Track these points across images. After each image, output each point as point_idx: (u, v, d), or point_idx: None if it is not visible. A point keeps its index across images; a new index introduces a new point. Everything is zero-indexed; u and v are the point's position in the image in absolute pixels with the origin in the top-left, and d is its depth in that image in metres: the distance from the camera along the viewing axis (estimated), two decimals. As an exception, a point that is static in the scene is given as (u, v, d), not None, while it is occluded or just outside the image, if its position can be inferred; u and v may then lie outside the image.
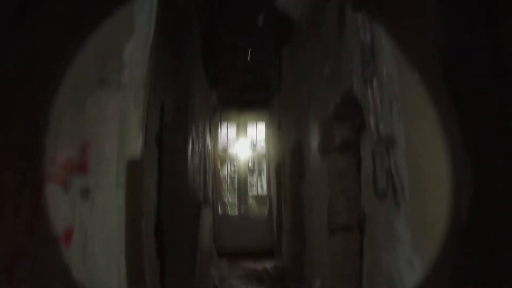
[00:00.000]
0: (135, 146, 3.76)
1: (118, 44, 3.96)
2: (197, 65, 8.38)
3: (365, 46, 4.01)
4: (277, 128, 12.16)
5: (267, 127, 14.89)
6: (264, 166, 16.00)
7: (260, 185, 16.68)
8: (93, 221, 3.53)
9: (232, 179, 17.22)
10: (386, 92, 3.50)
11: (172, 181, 5.48)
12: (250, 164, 16.86)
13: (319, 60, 6.00)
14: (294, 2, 7.06)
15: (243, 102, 13.65)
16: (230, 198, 16.73)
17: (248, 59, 10.30)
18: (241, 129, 15.14)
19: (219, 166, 15.04)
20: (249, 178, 16.35)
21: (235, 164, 15.99)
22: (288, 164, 9.58)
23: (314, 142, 6.47)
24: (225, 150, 15.48)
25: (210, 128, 11.81)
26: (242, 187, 15.30)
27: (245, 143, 15.40)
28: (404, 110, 3.20)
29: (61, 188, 3.54)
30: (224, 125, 15.09)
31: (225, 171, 16.25)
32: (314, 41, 6.39)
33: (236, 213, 15.40)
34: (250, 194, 16.12)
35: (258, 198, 16.15)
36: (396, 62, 3.34)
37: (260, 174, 16.77)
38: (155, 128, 4.50)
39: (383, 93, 3.59)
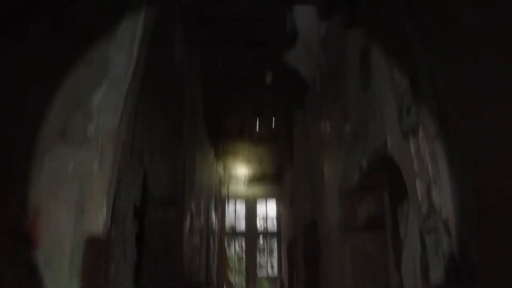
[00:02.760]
0: (97, 218, 2.90)
1: (86, 90, 3.28)
2: (198, 131, 7.64)
3: (400, 92, 3.29)
4: (289, 203, 11.32)
5: (278, 202, 14.06)
6: (275, 245, 14.90)
7: (270, 266, 15.53)
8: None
9: (239, 259, 16.05)
10: (440, 144, 2.67)
11: (160, 262, 4.56)
12: (259, 243, 15.78)
13: (337, 121, 5.18)
14: (306, 57, 6.36)
15: (252, 176, 12.83)
16: (237, 279, 15.42)
17: (257, 129, 9.58)
18: (250, 205, 14.30)
19: (225, 244, 14.02)
20: (258, 258, 15.26)
21: (244, 242, 15.01)
22: (302, 243, 8.68)
23: (333, 217, 5.57)
24: (232, 228, 14.57)
25: (215, 204, 10.99)
26: (250, 268, 14.28)
27: (254, 220, 14.53)
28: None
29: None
30: (232, 200, 14.27)
31: (232, 250, 15.24)
32: (330, 100, 5.62)
33: (244, 297, 14.22)
34: (259, 275, 15.02)
35: (268, 280, 15.01)
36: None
37: (270, 253, 15.68)
38: (132, 197, 3.54)
39: (434, 146, 2.73)
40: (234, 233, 14.63)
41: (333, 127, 5.54)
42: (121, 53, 3.52)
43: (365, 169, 4.12)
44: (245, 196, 14.02)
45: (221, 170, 11.71)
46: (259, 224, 15.48)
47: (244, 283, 14.61)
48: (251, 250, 14.54)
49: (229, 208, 14.35)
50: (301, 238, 8.72)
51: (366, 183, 4.38)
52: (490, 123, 2.33)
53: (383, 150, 3.61)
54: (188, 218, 6.28)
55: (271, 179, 12.98)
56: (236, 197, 14.19)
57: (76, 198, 2.89)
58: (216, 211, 11.19)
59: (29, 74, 3.21)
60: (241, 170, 12.33)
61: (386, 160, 3.55)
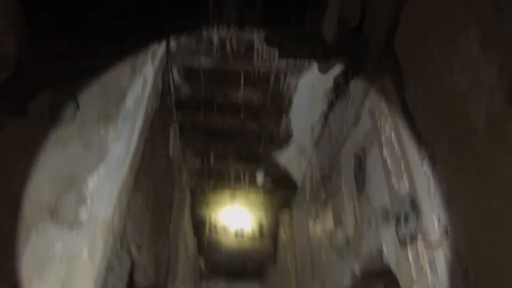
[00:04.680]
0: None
1: (82, 172, 3.18)
2: (183, 225, 7.44)
3: (398, 198, 3.21)
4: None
5: None
6: None
7: None
8: None
9: None
10: (440, 252, 2.56)
11: None
12: None
13: (327, 226, 5.01)
14: (298, 158, 6.31)
15: (233, 271, 12.37)
16: None
17: (240, 227, 9.34)
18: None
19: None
20: None
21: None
22: None
23: None
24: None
25: (196, 296, 10.53)
26: None
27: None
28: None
29: None
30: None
31: None
32: (321, 203, 5.44)
33: None
34: None
35: None
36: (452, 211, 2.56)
37: None
38: (119, 288, 3.34)
39: (434, 254, 2.65)
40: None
41: (323, 230, 5.37)
42: (120, 141, 3.45)
43: (358, 275, 3.94)
44: (225, 288, 13.41)
45: (202, 265, 11.33)
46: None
47: None
48: None
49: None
50: None
51: (358, 290, 4.16)
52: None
53: (378, 257, 3.46)
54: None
55: (253, 277, 12.48)
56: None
57: (61, 282, 2.68)
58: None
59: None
60: (223, 265, 11.93)
61: (382, 267, 3.40)
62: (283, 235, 8.69)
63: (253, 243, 9.94)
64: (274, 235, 9.45)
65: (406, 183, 3.09)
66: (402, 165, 3.17)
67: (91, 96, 3.70)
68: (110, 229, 2.97)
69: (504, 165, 2.26)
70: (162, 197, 5.45)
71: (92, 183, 3.10)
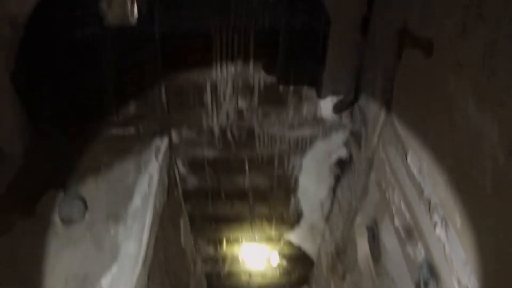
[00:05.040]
0: None
1: (95, 272, 3.18)
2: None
3: (415, 265, 3.13)
4: None
5: None
6: None
7: None
8: None
9: None
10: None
11: None
12: None
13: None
14: (310, 235, 6.23)
15: None
16: None
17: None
18: None
19: None
20: None
21: None
22: None
23: None
24: None
25: None
26: None
27: None
28: None
29: None
30: None
31: None
32: (338, 278, 5.40)
33: None
34: None
35: None
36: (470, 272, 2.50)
37: None
38: None
39: None
40: None
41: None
42: (130, 239, 3.44)
43: None
44: None
45: None
46: None
47: None
48: None
49: None
50: None
51: None
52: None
53: None
54: None
55: None
56: None
57: None
58: None
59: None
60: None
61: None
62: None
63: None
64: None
65: (422, 250, 3.04)
66: (416, 233, 3.14)
67: (98, 195, 3.76)
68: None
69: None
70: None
71: (106, 282, 3.08)
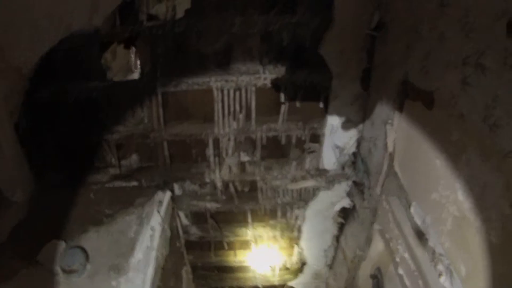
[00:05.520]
0: None
1: None
2: None
3: None
4: None
5: None
6: None
7: None
8: None
9: None
10: None
11: None
12: None
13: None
14: (315, 283, 6.16)
15: None
16: None
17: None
18: None
19: None
20: None
21: None
22: None
23: None
24: None
25: None
26: None
27: None
28: None
29: None
30: None
31: None
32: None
33: None
34: None
35: None
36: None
37: None
38: None
39: None
40: None
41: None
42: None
43: None
44: None
45: None
46: None
47: None
48: None
49: None
50: None
51: None
52: None
53: None
54: None
55: None
56: None
57: None
58: None
59: None
60: None
61: None
62: None
63: None
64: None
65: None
66: (420, 281, 3.12)
67: (100, 247, 3.76)
68: None
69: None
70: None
71: None
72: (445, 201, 2.89)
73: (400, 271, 3.45)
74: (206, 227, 5.31)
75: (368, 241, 4.19)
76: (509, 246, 2.33)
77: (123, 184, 4.49)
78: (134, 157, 4.53)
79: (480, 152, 2.51)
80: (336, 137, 4.30)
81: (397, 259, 3.50)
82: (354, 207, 4.60)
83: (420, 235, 3.17)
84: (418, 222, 3.21)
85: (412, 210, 3.28)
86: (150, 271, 3.71)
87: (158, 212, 4.29)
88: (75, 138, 4.27)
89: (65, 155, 4.33)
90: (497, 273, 2.45)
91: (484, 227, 2.52)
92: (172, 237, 4.71)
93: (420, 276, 3.14)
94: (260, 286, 6.45)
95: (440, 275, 2.92)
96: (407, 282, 3.35)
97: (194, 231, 5.40)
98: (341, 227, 5.07)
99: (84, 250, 3.63)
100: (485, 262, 2.55)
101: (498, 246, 2.42)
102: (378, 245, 3.96)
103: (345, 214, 4.90)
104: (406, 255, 3.35)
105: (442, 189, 2.92)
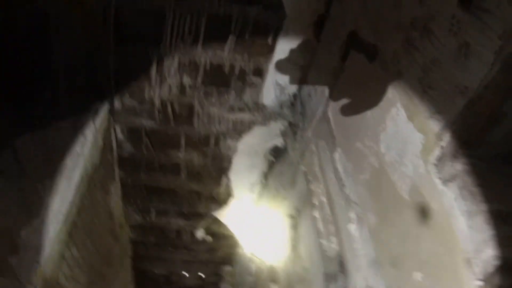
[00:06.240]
0: None
1: (16, 225, 3.13)
2: (124, 278, 7.21)
3: (330, 257, 3.25)
4: None
5: None
6: None
7: None
8: None
9: None
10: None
11: None
12: None
13: (267, 282, 4.95)
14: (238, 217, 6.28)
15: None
16: None
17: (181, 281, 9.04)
18: None
19: None
20: None
21: None
22: None
23: None
24: None
25: None
26: None
27: None
28: None
29: None
30: None
31: None
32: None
33: None
34: None
35: None
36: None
37: None
38: None
39: None
40: None
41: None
42: (55, 197, 3.43)
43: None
44: None
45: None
46: None
47: None
48: None
49: None
50: None
51: None
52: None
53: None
54: None
55: None
56: None
57: None
58: None
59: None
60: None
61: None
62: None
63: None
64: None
65: (335, 244, 3.11)
66: (333, 227, 3.21)
67: (30, 151, 3.64)
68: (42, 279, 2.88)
69: (423, 234, 2.34)
70: (101, 252, 5.27)
71: (25, 235, 3.04)
72: (367, 151, 2.95)
73: (316, 214, 3.54)
74: (140, 145, 5.26)
75: (293, 181, 4.27)
76: (415, 204, 2.43)
77: (62, 93, 4.30)
78: (80, 70, 4.37)
79: (408, 110, 2.57)
80: (280, 75, 4.28)
81: (315, 202, 3.58)
82: (285, 147, 4.66)
83: (340, 181, 3.24)
84: (340, 168, 3.28)
85: (336, 155, 3.35)
86: (76, 177, 3.68)
87: (93, 122, 4.21)
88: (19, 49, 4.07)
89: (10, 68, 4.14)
90: (401, 226, 2.55)
91: (399, 183, 2.61)
92: (104, 149, 4.66)
93: (333, 222, 3.24)
94: (185, 211, 6.51)
95: (351, 222, 3.02)
96: (320, 226, 3.45)
97: (128, 148, 5.34)
98: (271, 165, 5.13)
99: (14, 151, 3.54)
100: (392, 215, 2.65)
101: (406, 202, 2.51)
102: (301, 187, 4.04)
103: (276, 152, 4.95)
104: (324, 199, 3.44)
105: (367, 139, 2.98)
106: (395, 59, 2.73)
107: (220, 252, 7.57)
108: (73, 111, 4.19)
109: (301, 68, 4.22)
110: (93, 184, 4.32)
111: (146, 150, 5.32)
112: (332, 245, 3.16)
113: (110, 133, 4.92)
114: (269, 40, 4.11)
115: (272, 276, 4.69)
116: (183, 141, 5.12)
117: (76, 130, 4.00)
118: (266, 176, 5.31)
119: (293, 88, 4.38)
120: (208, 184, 5.76)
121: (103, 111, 4.37)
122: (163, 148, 5.32)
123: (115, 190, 5.84)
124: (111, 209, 5.68)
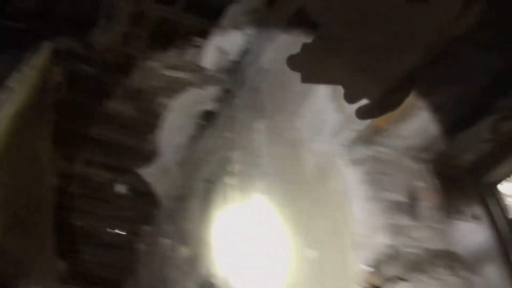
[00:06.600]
0: None
1: None
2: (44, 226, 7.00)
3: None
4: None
5: None
6: None
7: None
8: None
9: None
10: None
11: None
12: None
13: (177, 244, 4.92)
14: (163, 177, 6.16)
15: (93, 278, 11.65)
16: None
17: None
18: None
19: None
20: None
21: None
22: None
23: None
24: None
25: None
26: None
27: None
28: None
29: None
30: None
31: None
32: (174, 222, 5.37)
33: None
34: None
35: None
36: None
37: None
38: None
39: None
40: None
41: (172, 248, 5.27)
42: None
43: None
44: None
45: (63, 267, 10.61)
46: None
47: None
48: None
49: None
50: None
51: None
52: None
53: (209, 279, 3.47)
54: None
55: (112, 286, 11.80)
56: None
57: None
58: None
59: None
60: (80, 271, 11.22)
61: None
62: (141, 249, 8.45)
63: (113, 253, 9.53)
64: (133, 249, 9.09)
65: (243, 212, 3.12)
66: (241, 195, 3.21)
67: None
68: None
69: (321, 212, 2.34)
70: (23, 196, 5.09)
71: None
72: (288, 125, 2.98)
73: (230, 181, 3.54)
74: (77, 90, 5.10)
75: (218, 148, 4.24)
76: (319, 181, 2.43)
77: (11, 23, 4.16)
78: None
79: (334, 90, 2.59)
80: (224, 40, 4.20)
81: (231, 169, 3.58)
82: (217, 112, 4.60)
83: (257, 151, 3.23)
84: (260, 139, 3.28)
85: (259, 126, 3.34)
86: (5, 113, 3.53)
87: (33, 60, 4.08)
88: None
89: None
90: (304, 200, 2.56)
91: (309, 158, 2.62)
92: (40, 90, 4.49)
93: (243, 189, 3.24)
94: (111, 164, 6.36)
95: (259, 192, 3.02)
96: (230, 193, 3.46)
97: (65, 92, 5.16)
98: (201, 130, 5.06)
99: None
100: (297, 190, 2.66)
101: (312, 178, 2.50)
102: (222, 153, 4.02)
103: (207, 117, 4.89)
104: (240, 167, 3.43)
105: (290, 114, 3.03)
106: (333, 38, 2.71)
107: (140, 210, 7.48)
108: (13, 46, 4.02)
109: (246, 36, 4.15)
110: (24, 123, 4.18)
111: (81, 96, 5.16)
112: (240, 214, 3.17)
113: (48, 74, 4.74)
114: (219, 3, 4.02)
115: (184, 239, 4.68)
116: (118, 92, 4.98)
117: (13, 65, 3.82)
118: (194, 140, 5.24)
119: (236, 56, 4.31)
120: (136, 139, 5.64)
121: (45, 51, 4.18)
122: (99, 96, 5.17)
123: (46, 133, 5.64)
124: (39, 153, 5.49)
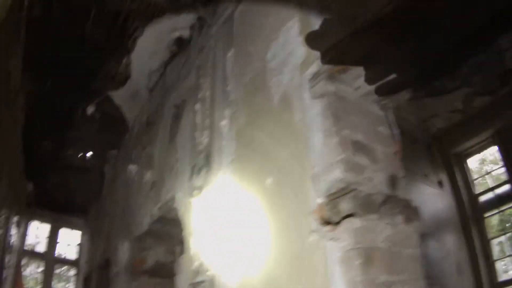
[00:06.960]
0: None
1: None
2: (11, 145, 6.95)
3: (199, 150, 3.34)
4: (90, 237, 10.47)
5: (82, 233, 12.88)
6: (72, 275, 13.67)
7: (65, 292, 14.12)
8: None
9: (36, 282, 14.46)
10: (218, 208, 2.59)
11: None
12: (56, 271, 14.35)
13: (142, 169, 4.96)
14: (132, 101, 6.13)
15: (60, 202, 11.67)
16: (31, 304, 13.76)
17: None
18: (54, 229, 13.00)
19: (21, 264, 12.51)
20: (54, 284, 13.80)
21: (42, 266, 13.58)
22: (95, 280, 8.01)
23: (122, 260, 5.19)
24: (32, 250, 13.10)
25: (18, 222, 9.81)
26: (45, 294, 12.84)
27: (55, 246, 13.22)
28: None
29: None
30: (37, 222, 12.85)
31: (28, 271, 13.67)
32: (141, 147, 5.40)
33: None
34: (54, 302, 13.45)
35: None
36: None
37: (67, 281, 14.36)
38: None
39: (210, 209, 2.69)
40: (33, 254, 13.06)
41: (138, 173, 5.35)
42: None
43: (155, 218, 3.98)
44: (50, 220, 12.63)
45: (30, 189, 10.60)
46: (60, 251, 14.13)
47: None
48: (49, 275, 13.08)
49: (32, 229, 12.82)
50: (95, 276, 8.07)
51: (154, 232, 4.21)
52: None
53: (171, 203, 3.54)
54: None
55: (79, 210, 11.90)
56: (41, 219, 12.74)
57: None
58: (18, 229, 9.98)
59: None
60: (50, 194, 11.21)
61: (174, 213, 3.46)
62: (108, 174, 8.50)
63: (80, 177, 9.53)
64: (101, 173, 9.12)
65: (207, 139, 3.16)
66: (208, 121, 3.25)
67: None
68: None
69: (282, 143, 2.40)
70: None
71: None
72: (256, 56, 2.98)
73: (197, 107, 3.56)
74: (51, 9, 4.96)
75: (187, 74, 4.23)
76: (282, 111, 2.47)
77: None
78: None
79: (302, 25, 2.65)
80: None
81: (199, 96, 3.59)
82: (189, 40, 4.55)
83: (225, 80, 3.24)
84: (228, 67, 3.28)
85: (229, 55, 3.33)
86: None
87: None
88: None
89: None
90: (265, 130, 2.62)
91: (274, 89, 2.66)
92: (13, 7, 4.32)
93: (210, 116, 3.27)
94: (81, 86, 6.26)
95: (224, 120, 3.06)
96: (197, 119, 3.48)
97: (38, 10, 5.04)
98: (173, 57, 5.02)
99: None
100: (260, 119, 2.71)
101: (276, 109, 2.54)
102: (191, 80, 4.01)
103: (180, 44, 4.83)
104: (208, 93, 3.45)
105: (259, 45, 3.02)
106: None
107: (108, 134, 7.46)
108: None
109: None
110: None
111: (54, 16, 5.02)
112: (204, 139, 3.20)
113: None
114: None
115: (149, 163, 4.74)
116: (92, 13, 4.86)
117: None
118: (165, 66, 5.20)
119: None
120: (108, 61, 5.56)
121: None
122: (73, 17, 5.03)
123: (18, 52, 5.51)
124: (9, 71, 5.37)
